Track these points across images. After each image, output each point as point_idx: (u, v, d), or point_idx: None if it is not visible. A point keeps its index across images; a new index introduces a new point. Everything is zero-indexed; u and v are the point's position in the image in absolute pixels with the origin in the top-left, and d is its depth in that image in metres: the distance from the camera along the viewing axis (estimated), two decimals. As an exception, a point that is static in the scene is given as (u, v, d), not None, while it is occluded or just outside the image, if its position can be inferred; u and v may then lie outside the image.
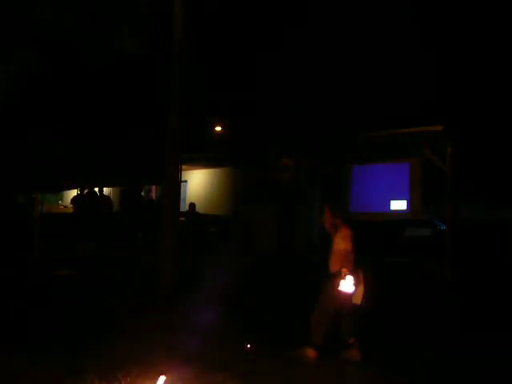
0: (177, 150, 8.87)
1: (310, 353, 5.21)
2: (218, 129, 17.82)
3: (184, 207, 14.64)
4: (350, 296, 5.19)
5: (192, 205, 13.81)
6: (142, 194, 15.90)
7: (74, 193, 15.30)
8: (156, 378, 4.25)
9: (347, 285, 5.15)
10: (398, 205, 13.65)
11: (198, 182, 17.74)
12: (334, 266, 5.32)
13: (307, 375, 4.86)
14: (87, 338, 5.61)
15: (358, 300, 5.23)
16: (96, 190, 14.43)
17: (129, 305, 7.21)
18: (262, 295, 8.27)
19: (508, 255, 10.93)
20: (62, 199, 19.22)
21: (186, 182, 17.34)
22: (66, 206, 17.94)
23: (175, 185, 8.99)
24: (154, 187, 16.78)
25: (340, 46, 14.77)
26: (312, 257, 11.31)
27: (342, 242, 5.28)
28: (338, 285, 5.16)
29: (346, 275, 5.15)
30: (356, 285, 5.18)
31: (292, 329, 6.31)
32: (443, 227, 11.87)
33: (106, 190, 17.82)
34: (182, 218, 12.29)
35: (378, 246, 11.63)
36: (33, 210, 11.01)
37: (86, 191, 14.20)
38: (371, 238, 12.20)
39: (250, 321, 6.73)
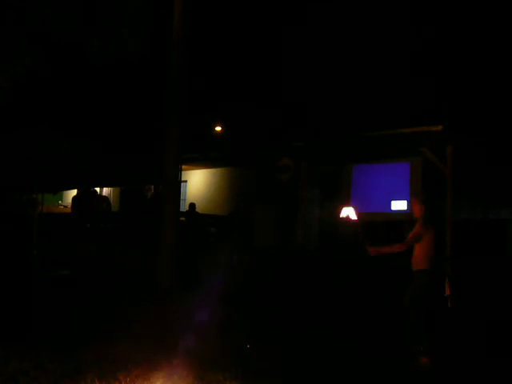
0: (177, 150, 8.87)
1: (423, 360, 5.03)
2: (218, 129, 17.82)
3: (184, 207, 14.64)
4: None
5: (192, 205, 13.81)
6: (148, 194, 15.95)
7: (74, 193, 15.32)
8: (156, 378, 4.25)
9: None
10: (399, 205, 13.61)
11: (197, 182, 17.73)
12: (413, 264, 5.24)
13: (308, 376, 4.85)
14: (87, 338, 5.61)
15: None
16: (95, 190, 14.45)
17: (128, 305, 7.21)
18: (262, 295, 8.27)
19: (508, 255, 10.93)
20: (61, 199, 19.24)
21: (186, 181, 17.34)
22: (66, 206, 17.97)
23: (175, 185, 8.99)
24: (153, 187, 16.78)
25: (340, 46, 14.75)
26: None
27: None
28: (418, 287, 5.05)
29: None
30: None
31: (292, 328, 6.31)
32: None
33: (105, 190, 17.85)
34: (182, 218, 12.30)
35: (378, 245, 11.59)
36: (33, 210, 11.01)
37: (85, 191, 14.21)
38: (372, 237, 12.19)
39: (250, 320, 6.73)
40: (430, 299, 5.15)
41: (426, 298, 5.12)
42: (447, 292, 5.18)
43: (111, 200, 17.63)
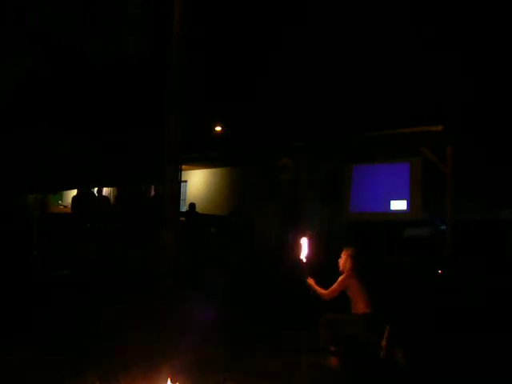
0: (177, 150, 8.86)
1: (333, 360, 5.23)
2: (218, 129, 17.82)
3: (184, 207, 14.65)
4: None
5: (192, 205, 13.81)
6: (147, 193, 15.95)
7: (74, 193, 15.31)
8: (156, 379, 4.25)
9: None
10: (398, 205, 13.64)
11: (198, 182, 17.74)
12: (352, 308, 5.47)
13: (308, 376, 4.86)
14: (87, 338, 5.61)
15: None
16: (95, 190, 14.45)
17: (128, 305, 7.20)
18: (262, 295, 8.27)
19: (508, 255, 10.93)
20: (61, 199, 19.23)
21: (186, 182, 17.35)
22: (66, 206, 17.95)
23: (175, 185, 8.98)
24: (153, 187, 16.79)
25: (340, 46, 14.75)
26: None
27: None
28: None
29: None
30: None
31: (292, 328, 6.31)
32: (443, 227, 11.87)
33: (105, 190, 17.84)
34: (182, 218, 12.30)
35: (378, 245, 11.65)
36: (33, 210, 11.02)
37: (85, 191, 14.23)
38: (372, 237, 12.21)
39: (251, 320, 6.74)
40: (362, 342, 5.26)
41: (358, 339, 5.28)
42: (383, 342, 5.13)
43: (111, 200, 17.63)
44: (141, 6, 7.46)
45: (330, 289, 5.52)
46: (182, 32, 8.84)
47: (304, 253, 5.64)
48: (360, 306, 5.36)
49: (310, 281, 5.62)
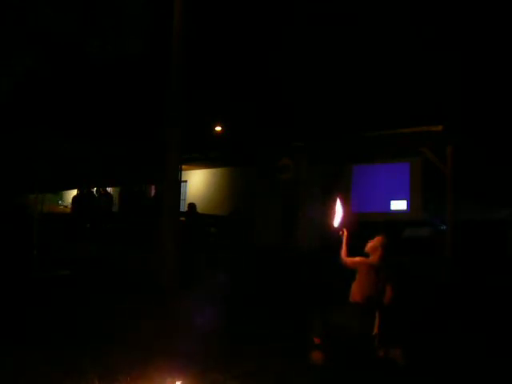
0: (177, 150, 8.87)
1: (316, 354, 5.12)
2: (218, 129, 17.81)
3: (184, 207, 14.64)
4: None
5: (192, 205, 13.79)
6: (147, 193, 15.94)
7: (74, 193, 15.32)
8: (156, 379, 4.25)
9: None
10: (398, 205, 13.64)
11: (198, 182, 17.73)
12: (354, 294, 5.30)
13: (308, 375, 4.86)
14: (87, 339, 5.61)
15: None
16: (94, 190, 14.47)
17: (128, 305, 7.21)
18: (262, 295, 8.27)
19: (508, 255, 10.93)
20: (62, 199, 19.25)
21: (186, 182, 17.34)
22: (66, 206, 17.96)
23: (175, 185, 8.99)
24: (154, 187, 16.79)
25: (340, 46, 14.76)
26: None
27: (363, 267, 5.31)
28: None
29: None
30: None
31: (292, 328, 6.32)
32: (443, 227, 11.87)
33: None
34: (182, 218, 12.30)
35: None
36: (33, 210, 11.02)
37: (85, 191, 14.24)
38: (371, 237, 12.19)
39: (251, 320, 6.74)
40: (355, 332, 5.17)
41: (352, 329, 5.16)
42: (375, 331, 5.11)
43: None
44: (141, 6, 7.46)
45: (349, 258, 5.34)
46: (182, 32, 8.85)
47: (337, 218, 5.47)
48: (356, 295, 5.21)
49: (345, 233, 5.42)
